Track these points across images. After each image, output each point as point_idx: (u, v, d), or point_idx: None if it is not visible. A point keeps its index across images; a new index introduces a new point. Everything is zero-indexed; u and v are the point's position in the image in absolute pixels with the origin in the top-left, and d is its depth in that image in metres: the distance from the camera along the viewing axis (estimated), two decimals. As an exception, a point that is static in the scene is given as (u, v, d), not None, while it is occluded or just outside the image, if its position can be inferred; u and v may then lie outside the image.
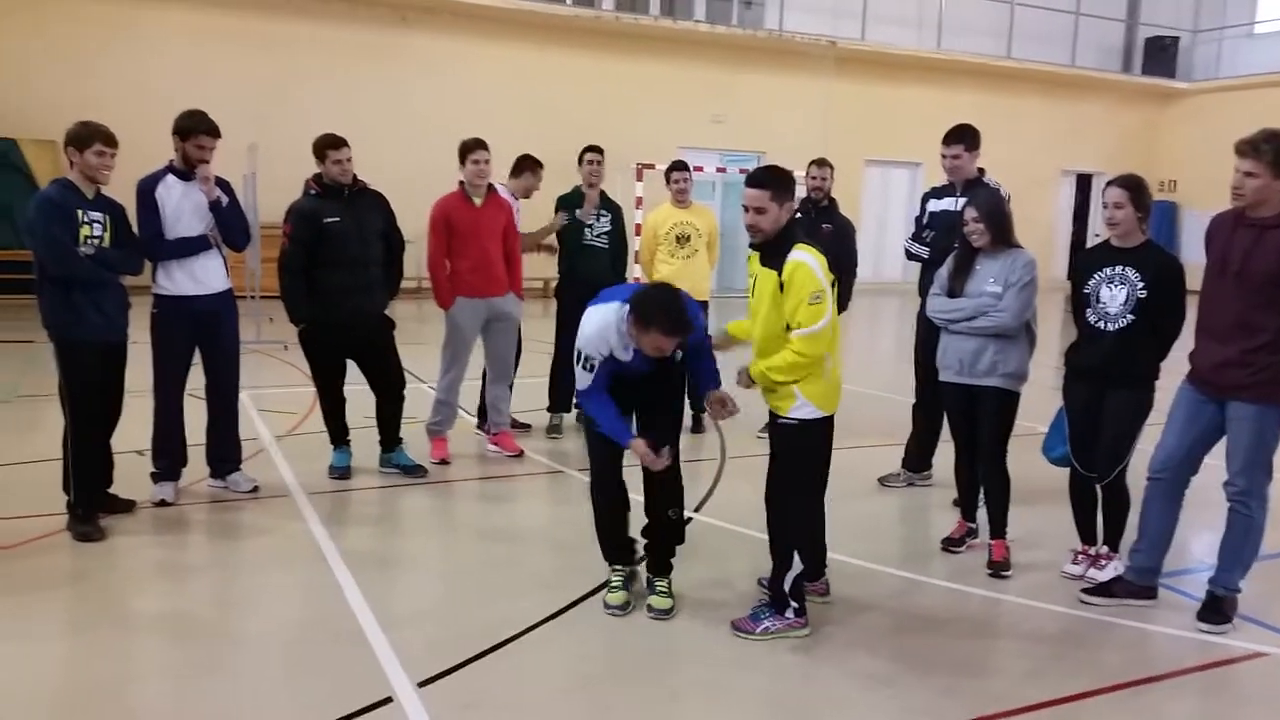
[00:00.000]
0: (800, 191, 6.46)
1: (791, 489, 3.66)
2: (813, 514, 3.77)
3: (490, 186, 5.73)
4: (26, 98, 12.24)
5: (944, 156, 5.19)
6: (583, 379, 3.62)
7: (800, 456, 3.63)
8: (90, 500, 4.53)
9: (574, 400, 6.61)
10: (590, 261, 6.42)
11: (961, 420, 4.48)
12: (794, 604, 3.61)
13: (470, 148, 5.61)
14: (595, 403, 3.67)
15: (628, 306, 3.47)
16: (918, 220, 5.48)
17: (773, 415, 3.67)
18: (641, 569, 4.03)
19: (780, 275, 3.43)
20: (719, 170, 16.38)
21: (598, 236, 6.51)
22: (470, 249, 5.62)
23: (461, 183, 5.69)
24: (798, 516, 3.67)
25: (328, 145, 5.13)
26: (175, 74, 12.82)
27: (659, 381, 3.75)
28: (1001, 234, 4.24)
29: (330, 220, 5.10)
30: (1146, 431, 4.11)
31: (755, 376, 3.62)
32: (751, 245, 3.62)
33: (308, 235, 5.09)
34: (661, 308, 3.41)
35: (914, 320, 5.39)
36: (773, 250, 3.51)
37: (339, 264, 5.12)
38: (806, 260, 3.41)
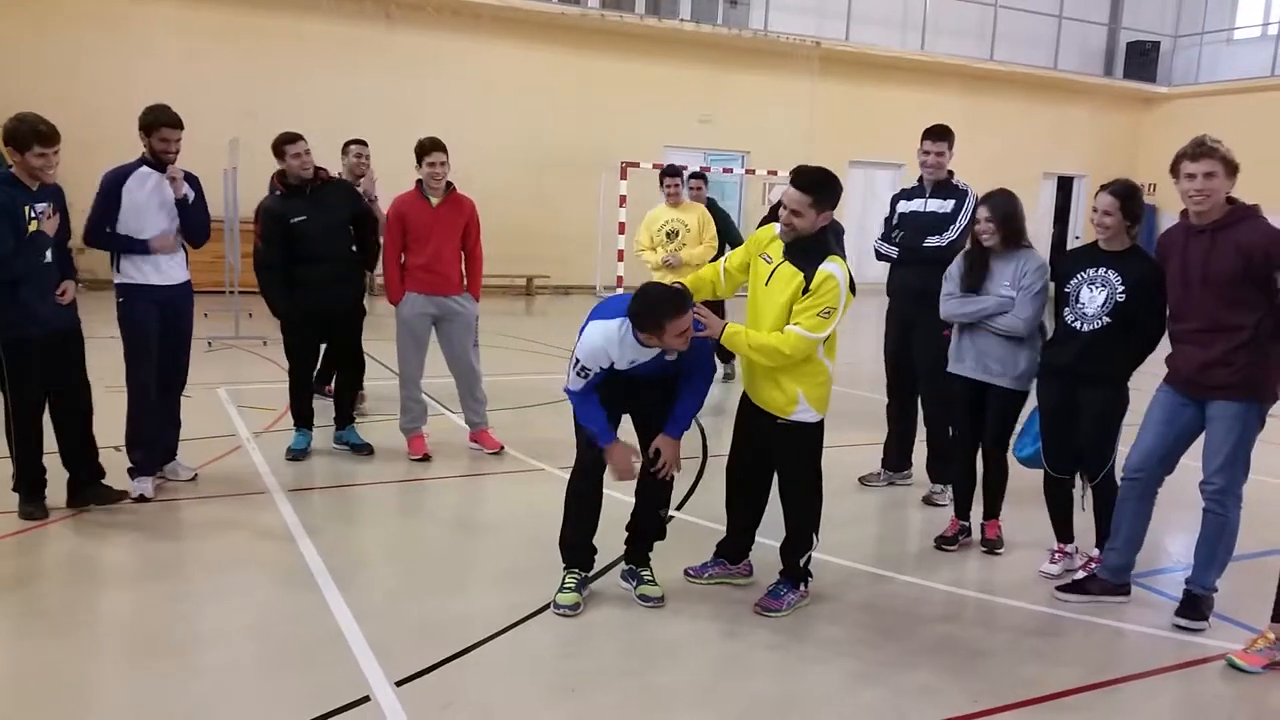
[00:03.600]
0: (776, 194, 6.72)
1: (804, 483, 3.85)
2: (819, 499, 3.95)
3: (449, 185, 5.68)
4: (10, 91, 12.07)
5: (926, 153, 5.16)
6: (575, 382, 3.67)
7: (806, 455, 3.83)
8: (32, 481, 4.53)
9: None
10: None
11: (968, 414, 4.52)
12: (808, 578, 3.91)
13: (426, 149, 5.56)
14: (582, 401, 3.70)
15: (628, 322, 3.51)
16: (887, 221, 5.47)
17: (762, 412, 3.79)
18: (613, 573, 4.03)
19: (809, 281, 3.53)
20: (704, 169, 16.39)
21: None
22: (424, 247, 5.60)
23: (419, 181, 5.66)
24: (812, 504, 3.87)
25: (285, 141, 5.36)
26: (160, 68, 12.69)
27: (659, 388, 3.76)
28: (1013, 235, 4.31)
29: (297, 219, 5.35)
30: (1125, 432, 4.14)
31: (732, 342, 3.68)
32: (783, 239, 3.68)
33: (277, 234, 5.37)
34: (656, 303, 3.45)
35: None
36: (802, 250, 3.59)
37: (310, 259, 5.39)
38: (837, 274, 3.54)
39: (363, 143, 6.86)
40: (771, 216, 6.73)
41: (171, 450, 5.14)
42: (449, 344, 5.81)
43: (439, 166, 5.56)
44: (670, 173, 7.20)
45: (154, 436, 4.93)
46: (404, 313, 5.69)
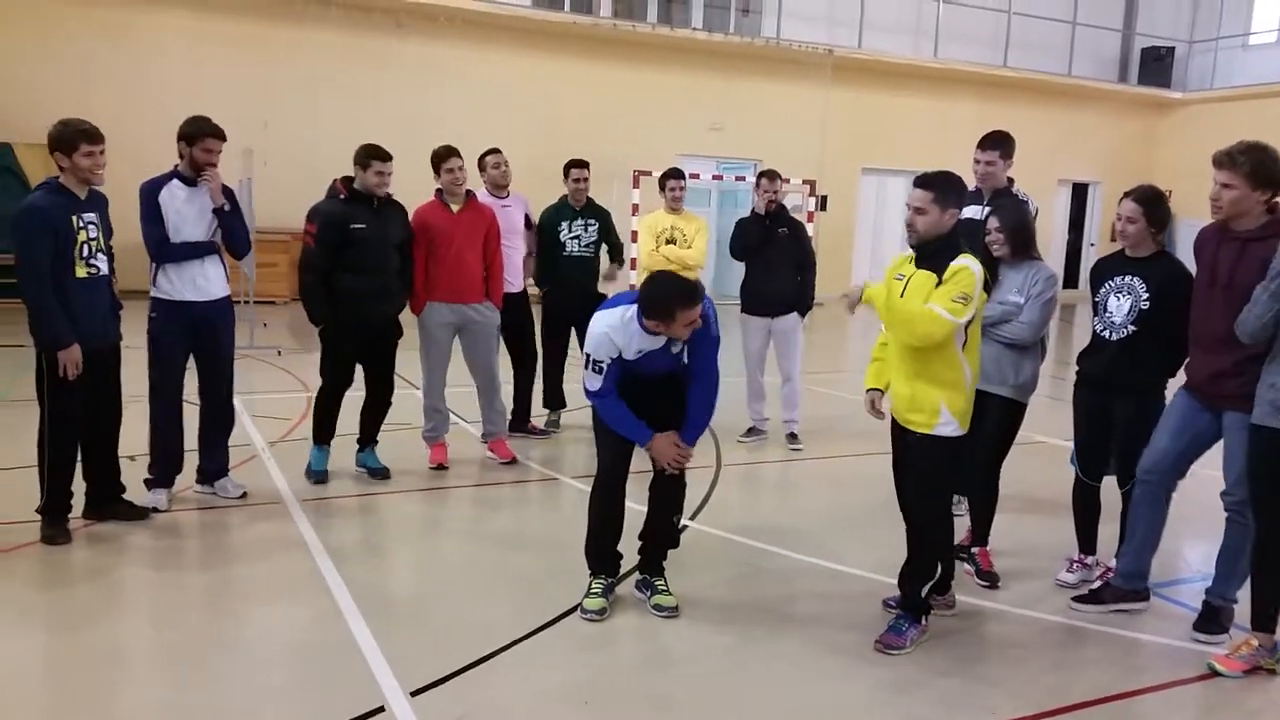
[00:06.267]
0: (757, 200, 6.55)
1: (935, 504, 3.71)
2: (950, 527, 3.82)
3: (469, 193, 5.73)
4: (22, 101, 12.20)
5: (978, 162, 5.02)
6: (593, 380, 3.69)
7: (942, 473, 3.67)
8: (60, 503, 4.43)
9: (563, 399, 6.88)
10: (573, 270, 6.69)
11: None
12: (929, 611, 3.73)
13: (442, 156, 5.61)
14: (608, 405, 3.72)
15: (635, 309, 3.55)
16: None
17: (907, 431, 3.68)
18: (626, 582, 4.02)
19: (940, 275, 3.47)
20: (715, 178, 16.39)
21: (585, 247, 6.74)
22: (446, 255, 5.62)
23: (439, 190, 5.69)
24: (944, 528, 3.73)
25: (373, 156, 5.20)
26: (171, 78, 12.78)
27: (674, 385, 3.77)
28: (1023, 246, 4.27)
29: (357, 226, 5.18)
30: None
31: (875, 301, 3.63)
32: (911, 245, 3.63)
33: (335, 239, 5.16)
34: (667, 291, 3.52)
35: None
36: (932, 254, 3.54)
37: (361, 269, 5.21)
38: (972, 265, 3.48)
39: (498, 152, 6.33)
40: (766, 211, 6.60)
41: (221, 467, 5.11)
42: (472, 353, 5.85)
43: (458, 172, 5.61)
44: (675, 175, 6.82)
45: (172, 451, 4.90)
46: (427, 322, 5.71)
